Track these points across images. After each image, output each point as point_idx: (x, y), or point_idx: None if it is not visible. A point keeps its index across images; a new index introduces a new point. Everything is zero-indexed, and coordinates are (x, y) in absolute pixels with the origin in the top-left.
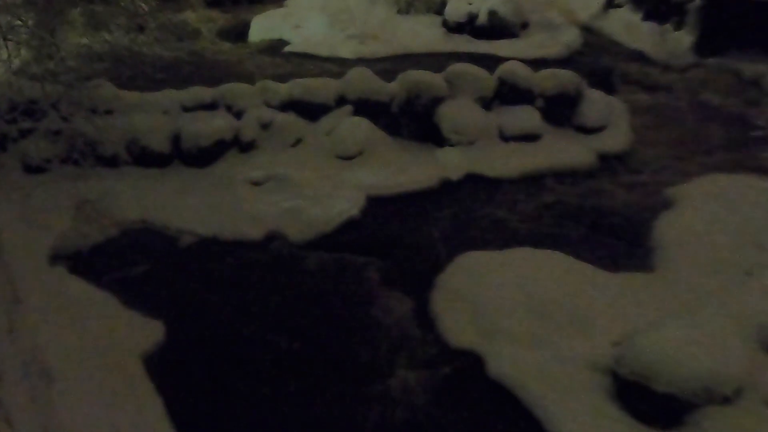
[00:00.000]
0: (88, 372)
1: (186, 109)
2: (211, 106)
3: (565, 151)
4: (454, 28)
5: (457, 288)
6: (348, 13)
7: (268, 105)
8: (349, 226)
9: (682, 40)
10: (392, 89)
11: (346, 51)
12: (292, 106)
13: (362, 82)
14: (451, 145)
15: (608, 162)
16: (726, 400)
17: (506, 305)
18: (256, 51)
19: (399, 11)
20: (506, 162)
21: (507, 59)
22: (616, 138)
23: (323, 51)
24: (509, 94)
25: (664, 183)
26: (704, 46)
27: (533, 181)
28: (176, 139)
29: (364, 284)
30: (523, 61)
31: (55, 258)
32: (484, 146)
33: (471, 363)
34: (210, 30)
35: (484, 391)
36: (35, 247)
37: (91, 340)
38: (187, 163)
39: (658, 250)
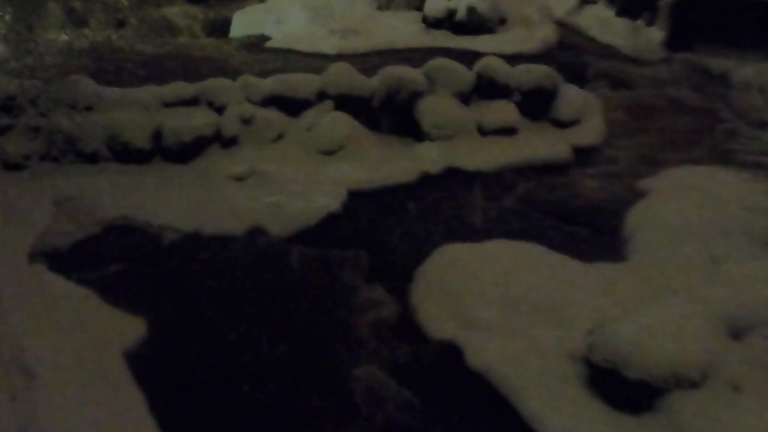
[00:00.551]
0: (69, 369)
1: (167, 104)
2: (192, 102)
3: (541, 144)
4: (434, 24)
5: (436, 280)
6: (329, 9)
7: (250, 101)
8: (331, 220)
9: (653, 35)
10: (372, 84)
11: (327, 46)
12: (273, 101)
13: (343, 77)
14: (431, 140)
15: (583, 155)
16: (693, 385)
17: (484, 296)
18: (237, 46)
19: (379, 7)
20: (484, 156)
21: (485, 54)
22: (591, 131)
23: (304, 46)
24: (487, 88)
25: (636, 175)
26: (675, 42)
27: (510, 174)
28: (157, 135)
29: (345, 278)
30: (500, 56)
31: (35, 256)
32: (463, 140)
33: (450, 354)
34: (191, 25)
35: (462, 381)
36: (14, 245)
37: (72, 337)
38: (169, 159)
39: (630, 241)
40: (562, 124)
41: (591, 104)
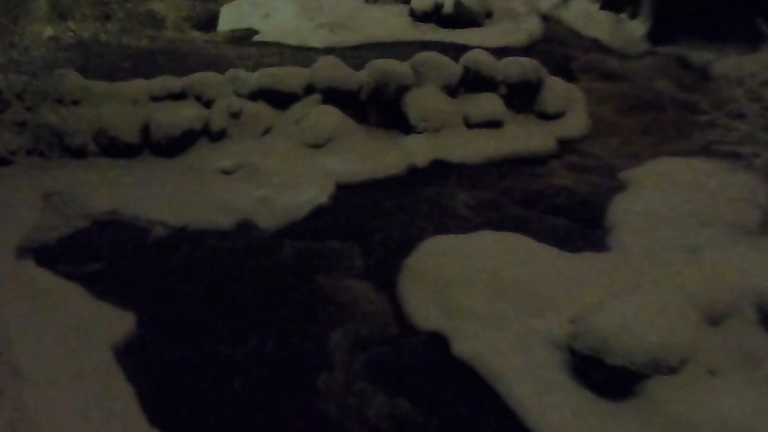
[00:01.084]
0: (58, 364)
1: (155, 98)
2: (180, 96)
3: (526, 137)
4: (421, 18)
5: (423, 271)
6: (317, 3)
7: (238, 94)
8: (319, 213)
9: (636, 29)
10: (360, 78)
11: (315, 40)
12: (261, 95)
13: (331, 70)
14: (418, 133)
15: (567, 147)
16: (672, 370)
17: (470, 287)
18: (225, 40)
19: (367, 1)
20: (471, 148)
21: (471, 48)
22: (575, 124)
23: (292, 40)
24: (473, 81)
25: (618, 167)
26: (657, 35)
27: (496, 166)
28: (145, 130)
29: (333, 270)
30: (487, 49)
31: (23, 251)
32: (450, 133)
33: (436, 344)
34: (178, 19)
35: (448, 370)
36: (2, 240)
37: (60, 331)
38: (157, 153)
39: (613, 231)
40: (547, 117)
41: (575, 97)
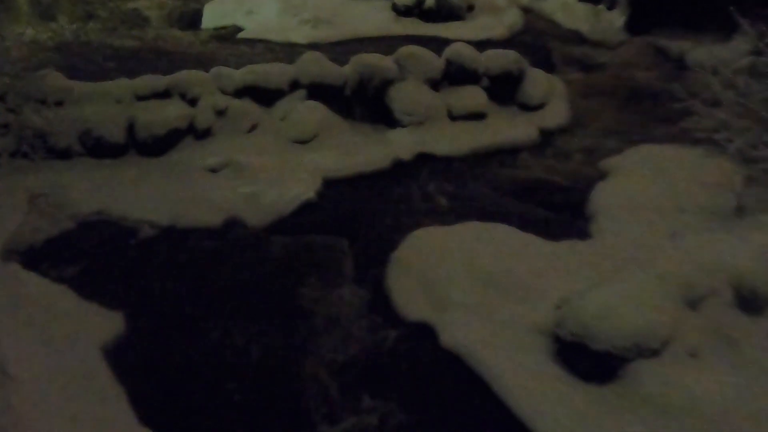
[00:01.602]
0: (46, 366)
1: (139, 98)
2: (164, 95)
3: (509, 128)
4: (403, 12)
5: (410, 263)
6: None
7: (223, 92)
8: (306, 208)
9: (614, 19)
10: (344, 73)
11: (299, 36)
12: (246, 92)
13: (315, 66)
14: (403, 126)
15: (549, 137)
16: (654, 353)
17: (456, 277)
18: (209, 38)
19: None
20: (455, 141)
21: (454, 41)
22: (556, 114)
23: (276, 36)
24: (456, 74)
25: (599, 155)
26: (634, 25)
27: (480, 157)
28: (130, 129)
29: (321, 264)
30: (469, 42)
31: (8, 253)
32: (434, 126)
33: (424, 334)
34: (162, 17)
35: (436, 361)
36: None
37: (49, 333)
38: (143, 152)
39: (594, 219)
40: (529, 108)
41: (556, 88)
